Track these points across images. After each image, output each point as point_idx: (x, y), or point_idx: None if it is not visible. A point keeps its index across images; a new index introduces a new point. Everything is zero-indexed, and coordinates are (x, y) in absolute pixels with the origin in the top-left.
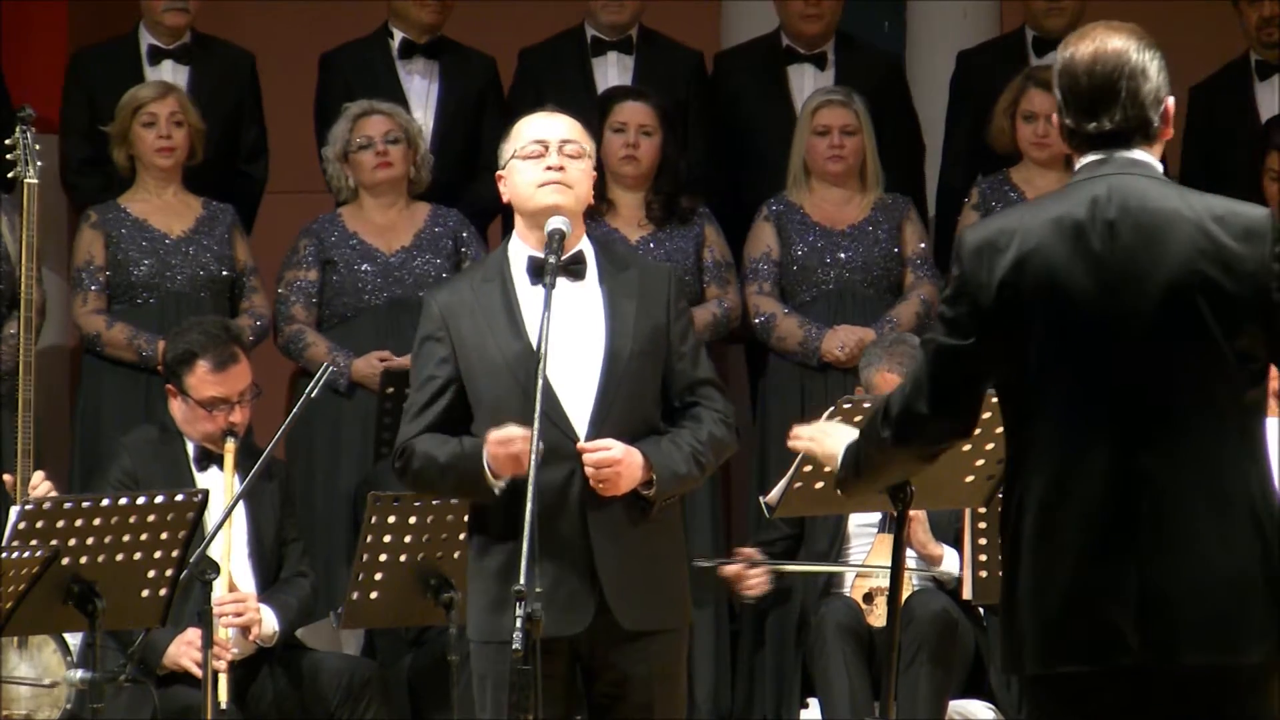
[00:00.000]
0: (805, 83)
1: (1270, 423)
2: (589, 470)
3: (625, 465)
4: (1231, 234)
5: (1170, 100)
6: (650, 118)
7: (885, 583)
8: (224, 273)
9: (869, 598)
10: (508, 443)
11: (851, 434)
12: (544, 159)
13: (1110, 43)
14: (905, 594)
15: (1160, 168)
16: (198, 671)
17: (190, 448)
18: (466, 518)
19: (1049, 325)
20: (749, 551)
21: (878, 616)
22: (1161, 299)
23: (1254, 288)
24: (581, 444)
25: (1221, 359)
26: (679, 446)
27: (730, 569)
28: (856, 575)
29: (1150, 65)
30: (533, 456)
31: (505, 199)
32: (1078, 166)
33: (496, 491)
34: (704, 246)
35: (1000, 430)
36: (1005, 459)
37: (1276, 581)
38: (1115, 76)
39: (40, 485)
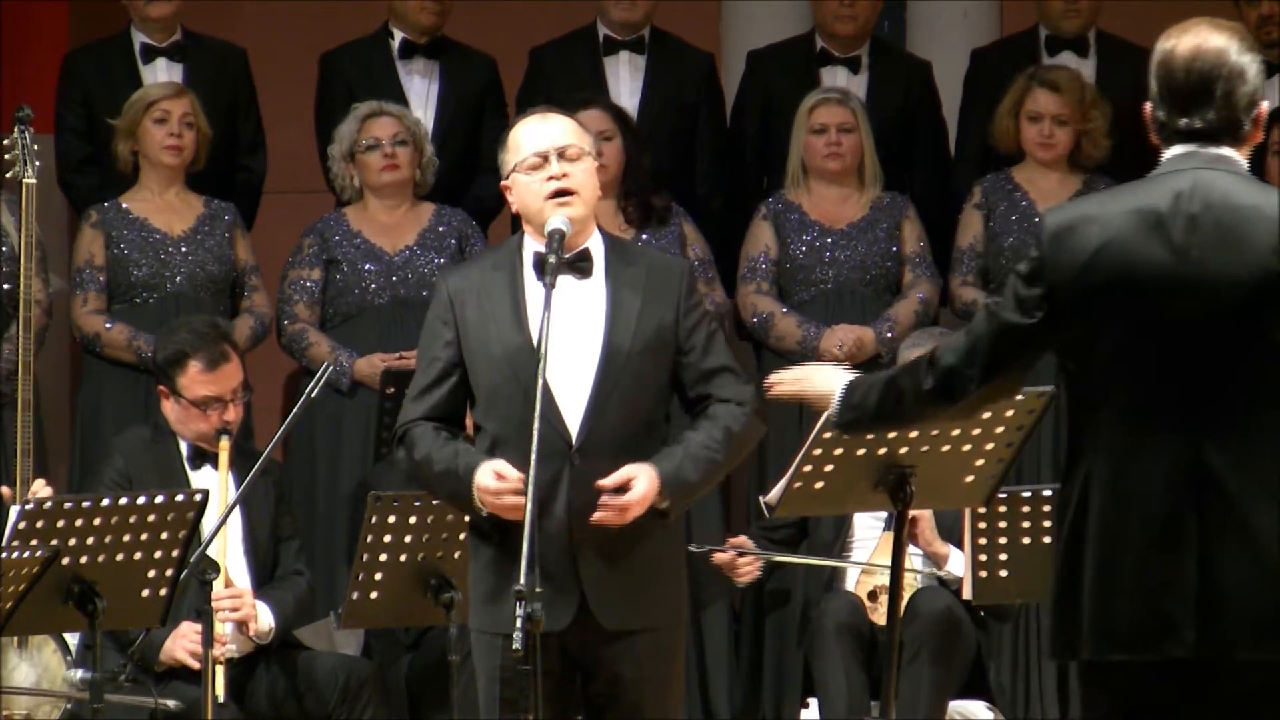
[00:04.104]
0: (840, 86)
1: None
2: (604, 505)
3: (639, 503)
4: None
5: (1265, 105)
6: (607, 123)
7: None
8: (223, 272)
9: (873, 595)
10: (497, 494)
11: (843, 373)
12: (545, 170)
13: (1212, 41)
14: (908, 592)
15: (1245, 166)
16: (193, 664)
17: (184, 447)
18: (467, 518)
19: (1122, 314)
20: (741, 540)
21: (881, 614)
22: (1237, 295)
23: None
24: (603, 482)
25: None
26: (691, 455)
27: (722, 556)
28: (861, 572)
29: (1249, 68)
30: (533, 453)
31: (514, 210)
32: (1164, 158)
33: (484, 514)
34: (687, 245)
35: (1001, 431)
36: (1067, 444)
37: None
38: (1213, 76)
39: (41, 491)
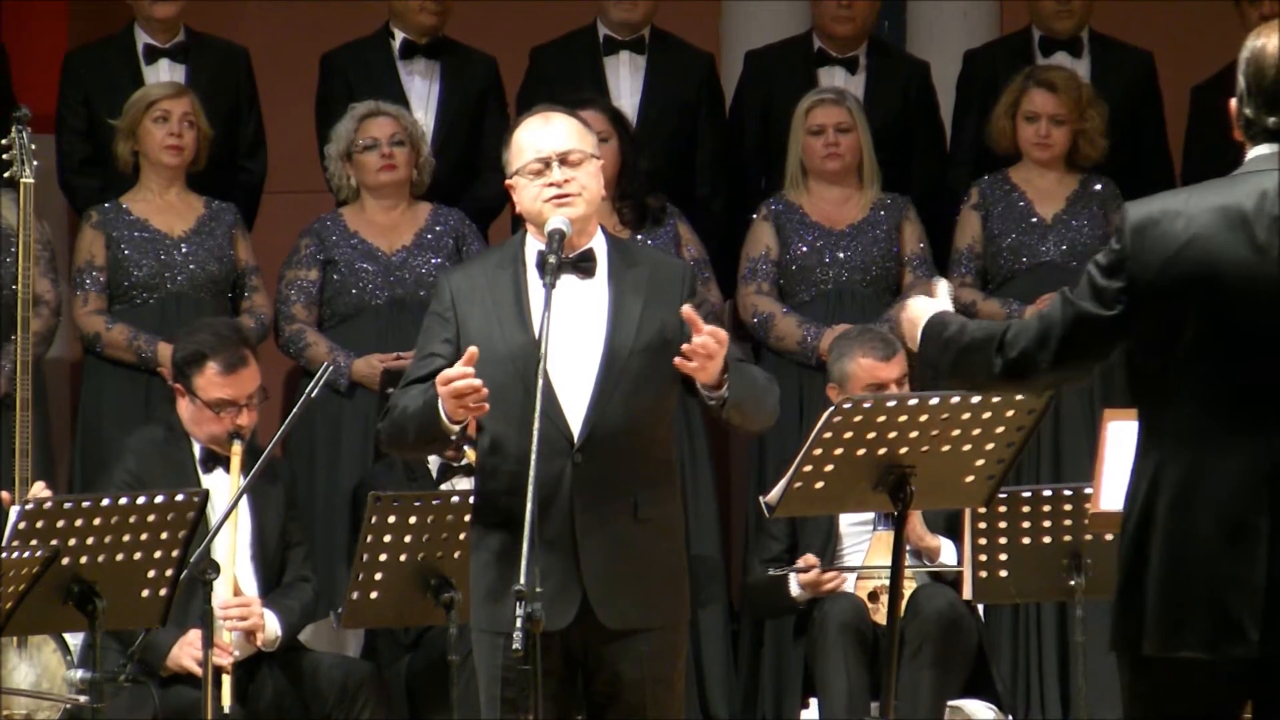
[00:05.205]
0: (835, 86)
1: None
2: (700, 337)
3: (724, 346)
4: None
5: None
6: (604, 124)
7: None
8: (224, 273)
9: (874, 596)
10: (448, 380)
11: (934, 305)
12: (546, 175)
13: None
14: (907, 590)
15: None
16: (199, 672)
17: (196, 449)
18: (467, 517)
19: (1202, 311)
20: (812, 559)
21: (883, 614)
22: None
23: None
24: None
25: None
26: (746, 369)
27: (807, 577)
28: (858, 574)
29: None
30: (533, 453)
31: (517, 210)
32: (1249, 157)
33: (452, 435)
34: (681, 245)
35: (1001, 431)
36: (1137, 440)
37: None
38: None
39: (40, 494)
